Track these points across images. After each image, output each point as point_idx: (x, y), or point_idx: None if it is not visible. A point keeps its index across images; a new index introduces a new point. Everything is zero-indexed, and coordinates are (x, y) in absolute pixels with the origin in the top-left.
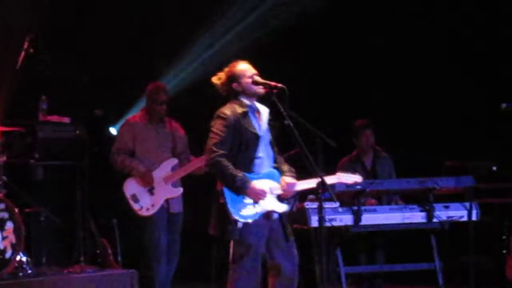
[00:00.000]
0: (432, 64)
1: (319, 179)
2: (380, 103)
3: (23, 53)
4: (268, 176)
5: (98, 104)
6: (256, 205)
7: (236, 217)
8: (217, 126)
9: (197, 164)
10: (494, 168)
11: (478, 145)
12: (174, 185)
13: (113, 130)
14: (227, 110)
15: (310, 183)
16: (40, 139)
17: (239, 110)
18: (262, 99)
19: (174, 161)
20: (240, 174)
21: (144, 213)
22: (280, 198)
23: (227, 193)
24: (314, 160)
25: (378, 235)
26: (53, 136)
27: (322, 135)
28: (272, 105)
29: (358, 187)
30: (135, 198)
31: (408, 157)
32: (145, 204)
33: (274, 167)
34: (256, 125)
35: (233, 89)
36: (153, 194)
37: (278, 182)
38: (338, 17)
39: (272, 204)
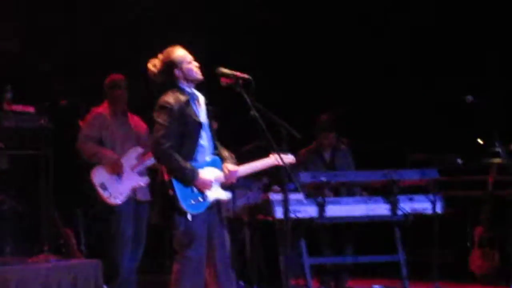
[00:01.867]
0: (397, 54)
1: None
2: (345, 93)
3: None
4: (212, 164)
5: (64, 94)
6: (204, 196)
7: (186, 209)
8: (162, 117)
9: None
10: (459, 161)
11: (443, 137)
12: (141, 174)
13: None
14: (171, 99)
15: (252, 167)
16: (4, 128)
17: (183, 98)
18: (228, 89)
19: (139, 149)
20: (188, 165)
21: (112, 201)
22: (223, 186)
23: (177, 185)
24: (279, 151)
25: (344, 228)
26: (18, 125)
27: (287, 126)
28: (238, 95)
29: (323, 178)
30: (103, 186)
31: (373, 148)
32: (114, 192)
33: (215, 154)
34: (198, 113)
35: (172, 76)
36: (121, 182)
37: (221, 169)
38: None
39: (216, 193)
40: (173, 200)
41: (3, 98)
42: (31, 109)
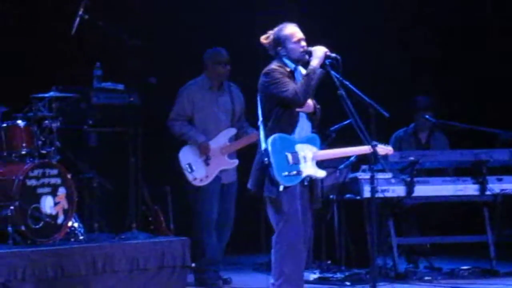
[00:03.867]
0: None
1: (371, 150)
2: (434, 74)
3: (78, 19)
4: (309, 141)
5: (153, 72)
6: (299, 170)
7: (279, 180)
8: (277, 76)
9: (254, 138)
10: None
11: None
12: (230, 157)
13: None
14: (275, 66)
15: (344, 152)
16: (94, 106)
17: (285, 69)
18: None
19: (232, 131)
20: None
21: (197, 183)
22: (319, 164)
23: (273, 155)
24: (367, 131)
25: (430, 208)
26: (107, 102)
27: (375, 105)
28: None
29: (411, 158)
30: (190, 167)
31: (462, 128)
32: (200, 174)
33: (314, 132)
34: None
35: (277, 52)
36: (208, 164)
37: (318, 147)
38: None
39: (311, 170)
40: (268, 168)
41: (92, 75)
42: (120, 87)
